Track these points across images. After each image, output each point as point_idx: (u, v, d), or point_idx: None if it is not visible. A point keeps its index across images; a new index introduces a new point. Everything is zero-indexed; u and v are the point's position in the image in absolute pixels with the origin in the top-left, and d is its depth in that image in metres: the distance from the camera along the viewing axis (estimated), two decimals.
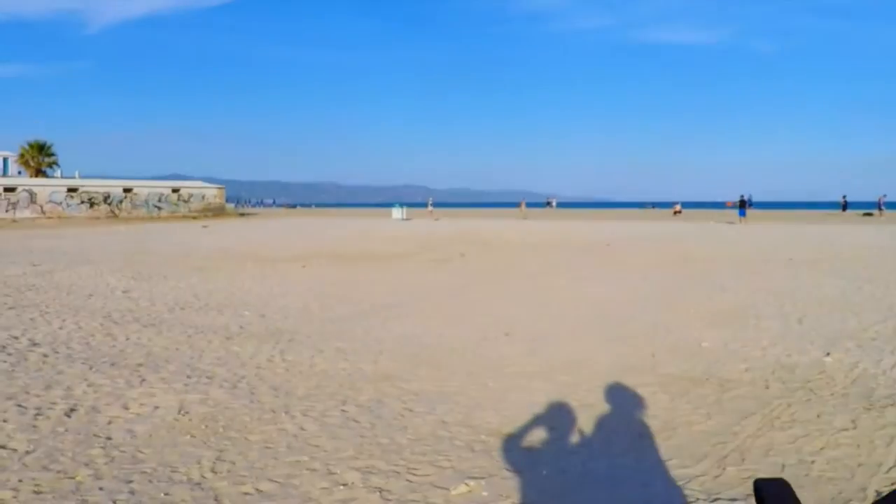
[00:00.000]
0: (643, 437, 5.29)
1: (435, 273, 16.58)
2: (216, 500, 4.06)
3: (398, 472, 4.47)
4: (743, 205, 48.74)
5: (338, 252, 22.64)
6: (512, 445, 5.02)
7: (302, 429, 5.29)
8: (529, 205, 79.31)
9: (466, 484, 4.22)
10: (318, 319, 10.14)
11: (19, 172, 59.35)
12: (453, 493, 4.13)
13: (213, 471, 4.49)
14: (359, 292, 13.08)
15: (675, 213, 68.17)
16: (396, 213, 56.51)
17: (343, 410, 5.77)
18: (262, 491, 4.18)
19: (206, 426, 5.38)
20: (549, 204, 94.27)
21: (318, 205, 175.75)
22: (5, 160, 62.89)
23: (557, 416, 5.74)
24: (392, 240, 29.31)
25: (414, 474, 4.45)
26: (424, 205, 73.65)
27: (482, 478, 4.37)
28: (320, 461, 4.64)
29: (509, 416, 5.67)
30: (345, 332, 9.16)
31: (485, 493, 4.14)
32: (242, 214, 62.93)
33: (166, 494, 4.12)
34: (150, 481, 4.32)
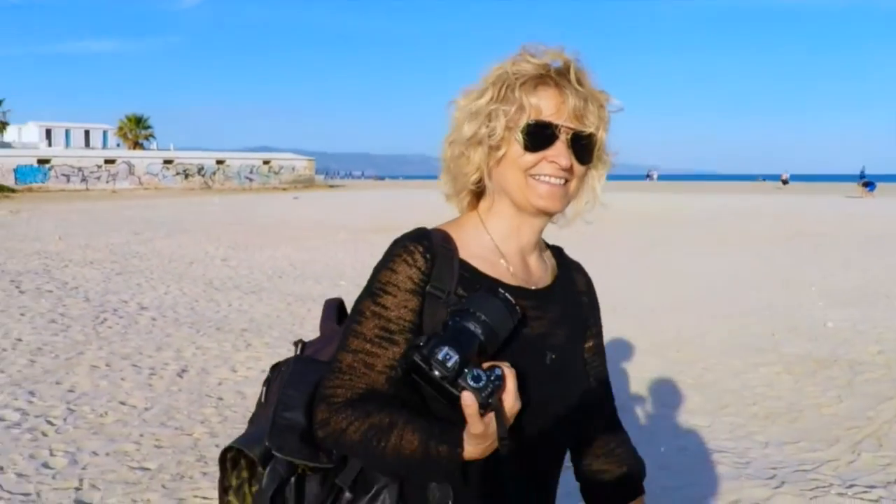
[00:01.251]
0: (768, 417, 5.11)
1: None
2: None
3: None
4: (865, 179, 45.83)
5: (431, 223, 22.81)
6: (624, 420, 4.96)
7: None
8: (628, 178, 77.36)
9: None
10: None
11: (118, 145, 63.13)
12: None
13: None
14: None
15: (783, 182, 64.84)
16: None
17: None
18: None
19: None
20: (649, 177, 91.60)
21: (405, 177, 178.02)
22: (105, 133, 67.02)
23: (671, 393, 5.63)
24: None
25: None
26: None
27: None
28: None
29: (619, 390, 5.58)
30: None
31: None
32: (331, 186, 64.59)
33: None
34: None
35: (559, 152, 1.15)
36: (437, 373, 0.98)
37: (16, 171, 44.29)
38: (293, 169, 59.64)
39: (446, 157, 1.25)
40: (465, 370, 0.98)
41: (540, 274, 1.27)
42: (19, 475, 3.99)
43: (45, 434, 4.61)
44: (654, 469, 4.04)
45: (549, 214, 1.22)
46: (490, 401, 0.98)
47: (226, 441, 4.46)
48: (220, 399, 5.41)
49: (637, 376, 5.98)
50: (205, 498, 3.76)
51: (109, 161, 49.88)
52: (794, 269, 12.63)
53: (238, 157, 58.79)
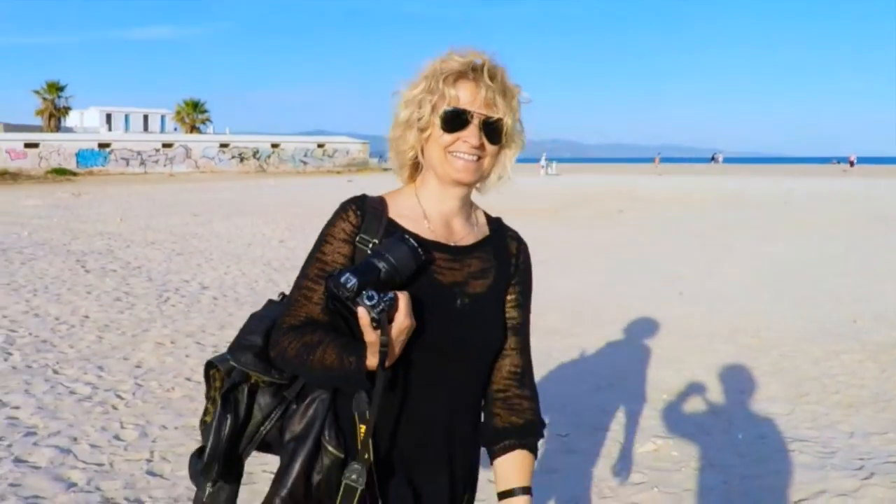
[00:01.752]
0: (852, 406, 4.92)
1: (591, 229, 16.28)
2: None
3: (577, 424, 4.46)
4: None
5: (486, 206, 22.77)
6: (698, 406, 4.86)
7: None
8: (692, 160, 75.42)
9: (653, 442, 4.13)
10: None
11: (175, 129, 64.76)
12: (640, 449, 4.06)
13: None
14: None
15: (850, 164, 62.21)
16: (546, 168, 56.13)
17: None
18: None
19: None
20: (714, 160, 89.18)
21: None
22: (163, 117, 68.86)
23: (746, 380, 5.46)
24: (540, 195, 29.05)
25: (597, 428, 4.42)
26: (572, 160, 71.89)
27: (668, 437, 4.26)
28: None
29: (690, 376, 5.47)
30: None
31: (674, 453, 4.03)
32: (385, 169, 64.99)
33: None
34: None
35: (471, 134, 1.42)
36: (340, 292, 1.26)
37: (77, 154, 45.95)
38: (347, 152, 60.21)
39: (390, 138, 1.53)
40: (364, 292, 1.24)
41: (462, 234, 1.52)
42: (93, 446, 4.13)
43: (115, 407, 4.77)
44: (732, 457, 3.95)
45: (465, 185, 1.48)
46: (379, 315, 1.24)
47: None
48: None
49: (710, 362, 5.83)
50: (273, 473, 3.82)
51: (167, 145, 51.23)
52: (874, 255, 12.11)
53: (292, 141, 59.62)
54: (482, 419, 1.53)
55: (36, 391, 5.07)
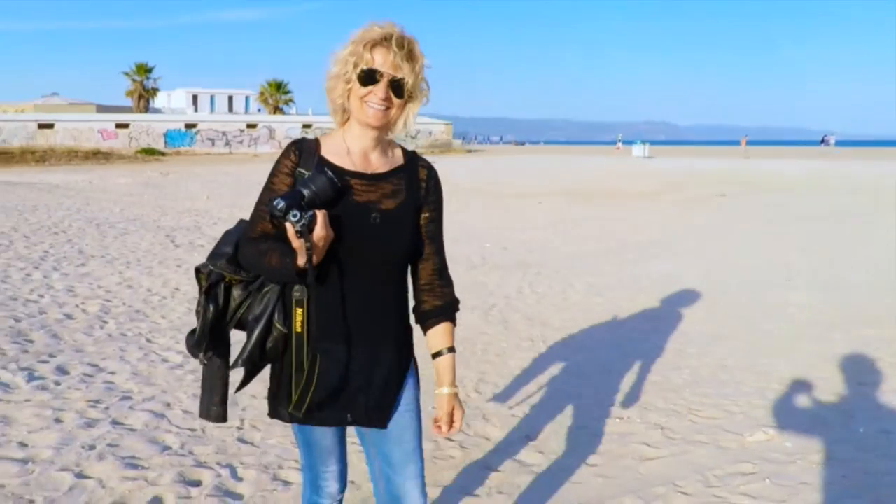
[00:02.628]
0: None
1: (690, 213, 15.79)
2: (484, 417, 4.25)
3: (678, 412, 4.34)
4: None
5: (574, 189, 22.49)
6: (813, 398, 4.63)
7: (564, 359, 5.36)
8: (800, 143, 72.01)
9: (765, 432, 3.96)
10: (563, 254, 10.17)
11: (259, 110, 66.75)
12: (749, 439, 3.91)
13: (476, 390, 4.70)
14: (604, 230, 12.90)
15: None
16: (637, 150, 54.74)
17: (605, 344, 5.73)
18: (529, 414, 4.29)
19: (464, 348, 5.64)
20: (825, 142, 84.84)
21: (546, 142, 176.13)
22: (247, 98, 71.09)
23: (866, 372, 5.17)
24: (635, 177, 28.41)
25: (697, 415, 4.29)
26: (666, 143, 69.79)
27: (781, 428, 4.08)
28: (590, 391, 4.66)
29: (802, 365, 5.23)
30: (595, 268, 9.08)
31: (788, 444, 3.86)
32: (469, 151, 65.04)
33: (433, 408, 4.39)
34: None
35: (380, 89, 1.88)
36: (275, 213, 1.73)
37: (165, 135, 48.04)
38: (430, 133, 60.57)
39: (326, 88, 1.97)
40: (290, 211, 1.70)
41: (378, 165, 1.99)
42: (185, 412, 4.31)
43: None
44: (852, 451, 3.75)
45: (375, 128, 1.94)
46: (301, 228, 1.70)
47: None
48: None
49: (826, 352, 5.55)
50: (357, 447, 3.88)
51: (251, 125, 52.89)
52: None
53: None
54: (415, 305, 2.09)
55: (130, 358, 5.33)
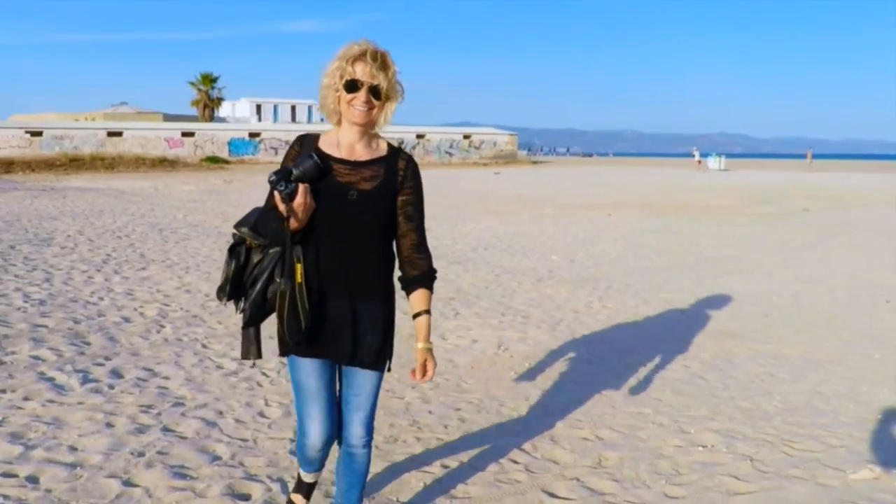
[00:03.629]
0: None
1: (771, 227, 15.18)
2: (552, 439, 4.03)
3: (770, 442, 4.02)
4: None
5: (645, 202, 21.99)
6: None
7: (638, 379, 5.09)
8: (878, 157, 68.83)
9: (871, 469, 3.62)
10: (635, 269, 9.84)
11: (321, 119, 67.81)
12: (853, 476, 3.57)
13: (544, 410, 4.48)
14: (678, 243, 12.48)
15: None
16: (712, 162, 53.72)
17: (684, 365, 5.43)
18: (602, 438, 4.05)
19: (530, 364, 5.43)
20: None
21: (616, 153, 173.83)
22: (310, 108, 72.36)
23: None
24: (709, 191, 27.65)
25: (792, 447, 3.96)
26: (743, 155, 67.86)
27: (889, 465, 3.72)
28: (667, 416, 4.38)
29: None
30: (669, 283, 8.73)
31: None
32: (535, 162, 64.69)
33: (497, 427, 4.20)
34: (479, 412, 4.44)
35: (362, 94, 2.44)
36: (270, 183, 2.36)
37: (230, 143, 49.24)
38: (494, 144, 60.45)
39: (320, 96, 2.54)
40: (280, 183, 2.32)
41: (361, 154, 2.54)
42: (237, 421, 4.22)
43: (259, 384, 4.87)
44: None
45: (360, 125, 2.50)
46: (285, 196, 2.32)
47: (439, 408, 4.37)
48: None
49: None
50: (420, 463, 3.71)
51: None
52: None
53: (438, 132, 60.66)
54: (400, 276, 2.60)
55: (185, 363, 5.30)
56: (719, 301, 7.73)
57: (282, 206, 2.37)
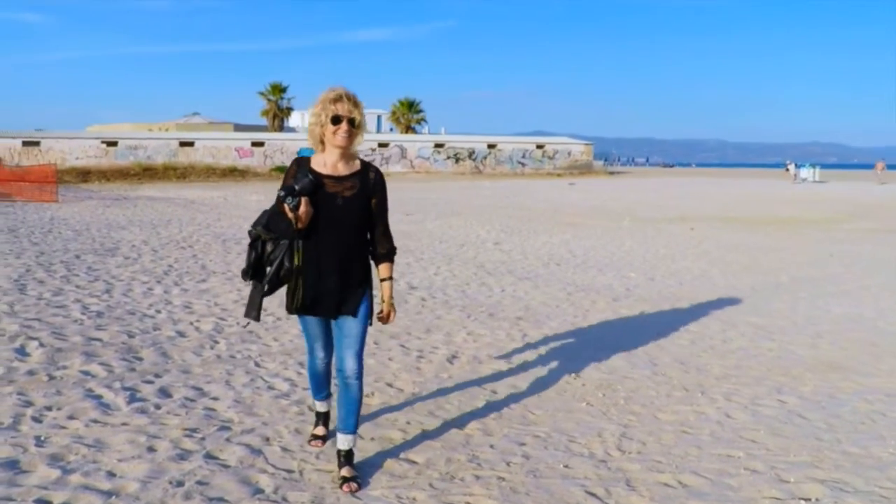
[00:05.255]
0: None
1: (874, 244, 14.33)
2: (628, 484, 3.67)
3: (886, 498, 3.56)
4: None
5: (731, 215, 21.17)
6: None
7: (728, 416, 4.66)
8: None
9: None
10: (721, 288, 9.32)
11: (391, 129, 68.47)
12: None
13: (619, 448, 4.13)
14: (769, 261, 11.84)
15: None
16: (804, 173, 51.93)
17: (780, 401, 4.98)
18: (686, 485, 3.67)
19: (604, 395, 5.08)
20: None
21: (699, 164, 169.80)
22: (379, 118, 73.14)
23: None
24: (803, 203, 26.51)
25: None
26: (838, 166, 65.07)
27: None
28: (762, 461, 3.96)
29: None
30: (760, 306, 8.21)
31: None
32: (611, 173, 63.63)
33: (566, 467, 3.88)
34: (546, 447, 4.13)
35: (343, 125, 3.58)
36: (278, 197, 3.52)
37: (299, 153, 50.08)
38: (569, 154, 59.76)
39: (308, 130, 3.69)
40: (288, 198, 3.48)
41: (342, 170, 3.65)
42: (284, 449, 4.03)
43: (311, 409, 4.67)
44: None
45: (342, 148, 3.61)
46: (293, 208, 3.48)
47: (502, 442, 4.06)
48: (494, 392, 5.13)
49: None
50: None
51: (383, 144, 54.26)
52: None
53: (510, 142, 60.38)
54: (372, 253, 3.80)
55: (236, 383, 5.17)
56: (819, 327, 7.19)
57: (290, 215, 3.51)
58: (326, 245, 3.60)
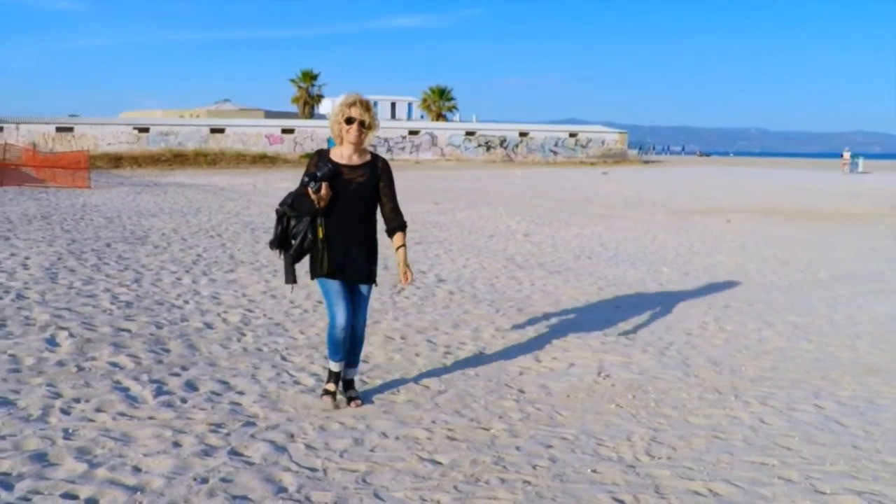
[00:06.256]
0: None
1: None
2: (657, 491, 3.63)
3: None
4: None
5: (770, 207, 20.83)
6: None
7: (762, 421, 4.58)
8: None
9: None
10: (758, 285, 9.18)
11: (422, 116, 68.37)
12: None
13: (648, 454, 4.08)
14: (808, 256, 11.63)
15: None
16: (860, 164, 51.19)
17: (818, 406, 4.88)
18: (717, 494, 3.61)
19: (634, 396, 5.02)
20: None
21: (736, 153, 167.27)
22: (409, 105, 73.09)
23: None
24: (845, 196, 26.00)
25: None
26: (884, 156, 63.83)
27: None
28: (797, 470, 3.88)
29: None
30: (798, 304, 8.07)
31: None
32: (646, 162, 62.98)
33: (594, 472, 3.84)
34: (573, 451, 4.10)
35: (356, 125, 4.61)
36: (303, 182, 4.50)
37: (329, 140, 50.32)
38: (602, 142, 59.29)
39: (330, 127, 4.74)
40: (312, 182, 4.45)
41: (356, 161, 4.70)
42: (308, 447, 4.05)
43: (336, 406, 4.69)
44: None
45: (355, 144, 4.66)
46: (315, 191, 4.46)
47: (528, 444, 4.04)
48: (521, 392, 5.10)
49: None
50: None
51: (413, 132, 54.30)
52: None
53: (542, 130, 60.09)
54: (385, 227, 4.79)
55: (262, 377, 5.21)
56: (859, 327, 7.04)
57: (313, 197, 4.43)
58: (343, 220, 4.59)
